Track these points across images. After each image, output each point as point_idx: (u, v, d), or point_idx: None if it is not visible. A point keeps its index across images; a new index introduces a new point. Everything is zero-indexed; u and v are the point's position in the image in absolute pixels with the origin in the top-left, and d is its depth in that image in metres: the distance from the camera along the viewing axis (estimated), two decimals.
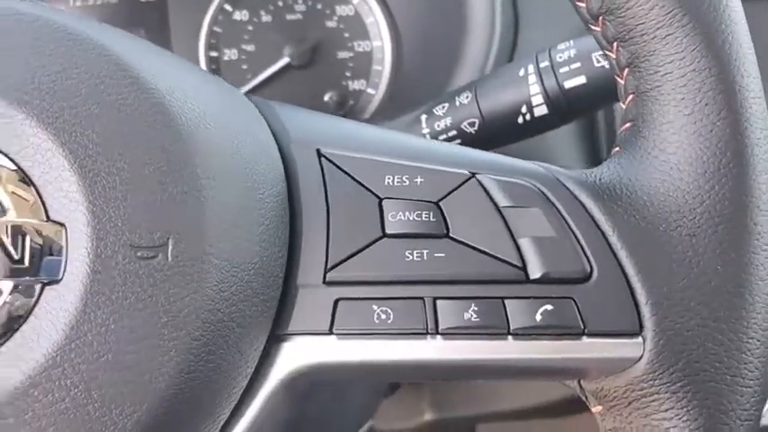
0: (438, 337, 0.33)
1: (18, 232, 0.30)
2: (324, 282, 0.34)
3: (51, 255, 0.30)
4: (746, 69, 0.33)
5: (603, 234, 0.34)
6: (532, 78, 0.49)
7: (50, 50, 0.32)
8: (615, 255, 0.33)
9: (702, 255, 0.33)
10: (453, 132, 0.51)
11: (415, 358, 0.33)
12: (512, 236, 0.34)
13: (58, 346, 0.29)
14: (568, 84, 0.49)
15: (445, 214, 0.34)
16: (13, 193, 0.30)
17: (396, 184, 0.35)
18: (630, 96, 0.35)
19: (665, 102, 0.34)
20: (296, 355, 0.34)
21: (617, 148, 0.36)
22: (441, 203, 0.34)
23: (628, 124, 0.36)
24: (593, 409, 0.36)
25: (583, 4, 0.35)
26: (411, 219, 0.34)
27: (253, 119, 0.36)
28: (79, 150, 0.30)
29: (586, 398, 0.36)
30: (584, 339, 0.33)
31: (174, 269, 0.30)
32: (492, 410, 0.69)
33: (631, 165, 0.35)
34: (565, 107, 0.49)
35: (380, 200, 0.35)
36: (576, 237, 0.34)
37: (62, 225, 0.30)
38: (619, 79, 0.36)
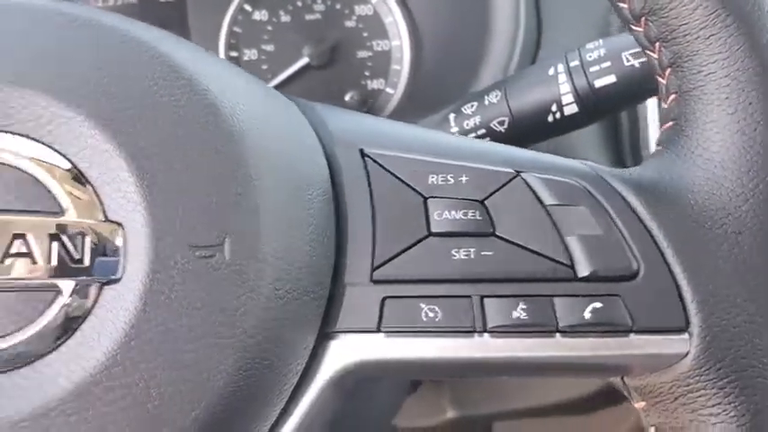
0: (485, 334, 0.33)
1: (77, 232, 0.30)
2: (371, 280, 0.34)
3: (108, 255, 0.30)
4: None
5: (649, 232, 0.34)
6: (562, 77, 0.50)
7: (106, 53, 0.32)
8: (661, 252, 0.34)
9: (748, 252, 0.33)
10: (482, 131, 0.51)
11: (463, 356, 0.34)
12: (559, 234, 0.34)
13: (119, 344, 0.29)
14: (599, 83, 0.49)
15: (491, 213, 0.35)
16: (71, 193, 0.30)
17: (440, 182, 0.35)
18: (673, 96, 0.36)
19: (708, 101, 0.34)
20: (344, 352, 0.34)
21: (659, 147, 0.37)
22: (486, 202, 0.35)
23: (670, 123, 0.36)
24: (637, 405, 0.36)
25: (625, 5, 0.36)
26: (457, 217, 0.34)
27: (296, 119, 0.37)
28: (136, 151, 0.30)
29: (629, 393, 0.36)
30: (632, 336, 0.33)
31: (230, 268, 0.30)
32: (513, 408, 0.69)
33: (674, 163, 0.35)
34: (595, 106, 0.49)
35: (425, 199, 0.35)
36: (622, 235, 0.34)
37: (120, 225, 0.30)
38: (660, 79, 0.36)
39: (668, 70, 0.36)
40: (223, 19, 0.73)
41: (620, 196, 0.35)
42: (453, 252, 0.34)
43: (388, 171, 0.35)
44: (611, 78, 0.49)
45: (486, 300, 0.33)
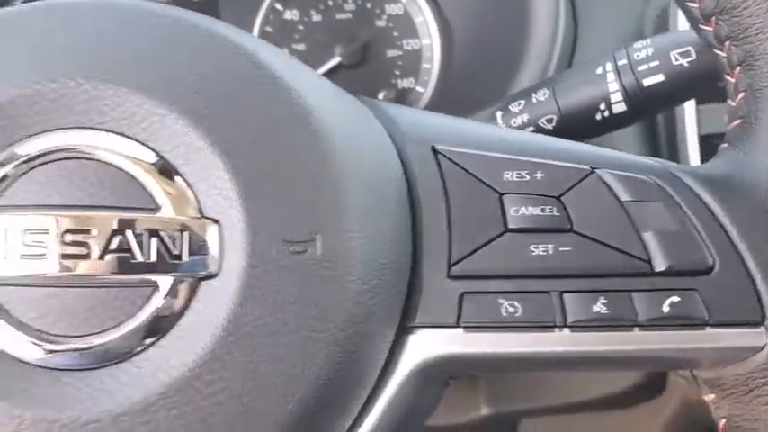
0: (566, 329, 0.34)
1: (174, 228, 0.30)
2: (448, 276, 0.34)
3: (205, 251, 0.31)
4: None
5: (722, 227, 0.35)
6: (611, 76, 0.50)
7: (198, 52, 0.32)
8: (735, 247, 0.34)
9: None
10: (530, 129, 0.52)
11: (544, 350, 0.34)
12: (635, 230, 0.35)
13: (217, 339, 0.30)
14: (647, 81, 0.50)
15: (567, 209, 0.35)
16: (166, 190, 0.31)
17: (515, 179, 0.36)
18: (742, 94, 0.36)
19: None
20: (423, 347, 0.34)
21: (725, 145, 0.37)
22: (562, 198, 0.35)
23: (738, 121, 0.37)
24: (706, 397, 0.37)
25: (695, 5, 0.36)
26: (534, 213, 0.35)
27: (366, 117, 0.37)
28: (230, 149, 0.31)
29: (698, 385, 0.37)
30: (708, 330, 0.34)
31: (322, 263, 0.31)
32: (547, 404, 0.69)
33: (744, 161, 0.36)
34: (642, 104, 0.50)
35: (501, 195, 0.35)
36: (696, 230, 0.35)
37: (216, 221, 0.31)
38: (728, 77, 0.37)
39: (738, 68, 0.36)
40: (255, 18, 0.74)
41: (694, 193, 0.35)
42: (531, 248, 0.34)
43: (462, 168, 0.36)
44: (660, 77, 0.50)
45: (565, 295, 0.34)
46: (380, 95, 0.73)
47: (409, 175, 0.36)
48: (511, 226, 0.35)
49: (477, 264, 0.34)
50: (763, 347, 0.34)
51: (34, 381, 0.29)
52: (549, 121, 0.52)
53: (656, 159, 0.37)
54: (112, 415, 0.29)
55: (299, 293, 0.31)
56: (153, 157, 0.31)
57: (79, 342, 0.30)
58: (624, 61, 0.50)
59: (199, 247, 0.30)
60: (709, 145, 0.60)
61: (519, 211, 0.35)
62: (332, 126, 0.33)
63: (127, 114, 0.31)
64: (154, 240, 0.30)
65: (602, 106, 0.51)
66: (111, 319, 0.30)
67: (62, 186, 0.30)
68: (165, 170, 0.31)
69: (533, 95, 0.53)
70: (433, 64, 0.74)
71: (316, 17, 0.74)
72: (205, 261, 0.30)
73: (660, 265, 0.34)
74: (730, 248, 0.34)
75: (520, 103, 0.53)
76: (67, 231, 0.30)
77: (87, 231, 0.30)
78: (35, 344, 0.29)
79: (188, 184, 0.31)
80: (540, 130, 0.52)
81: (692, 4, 0.37)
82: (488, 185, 0.35)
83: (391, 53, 0.74)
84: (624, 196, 0.35)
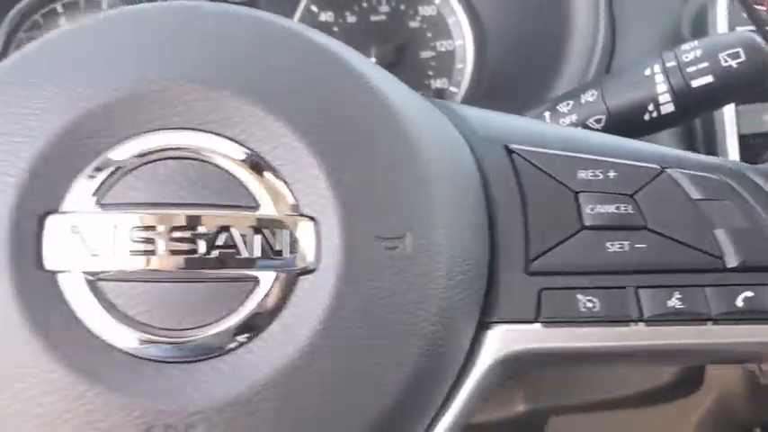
0: (641, 323, 0.35)
1: (275, 226, 0.31)
2: (527, 272, 0.35)
3: (303, 247, 0.31)
4: None
5: None
6: (659, 78, 0.51)
7: (295, 57, 0.33)
8: None
9: None
10: (579, 128, 0.53)
11: (621, 344, 0.35)
12: (707, 227, 0.36)
13: (316, 333, 0.31)
14: (696, 83, 0.51)
15: (641, 207, 0.36)
16: (265, 188, 0.32)
17: (589, 177, 0.37)
18: None
19: None
20: (503, 342, 0.35)
21: None
22: (635, 196, 0.36)
23: None
24: None
25: (764, 8, 0.37)
26: (610, 211, 0.36)
27: (442, 118, 0.38)
28: (326, 150, 0.32)
29: (766, 378, 0.38)
30: None
31: (413, 259, 0.32)
32: (585, 400, 0.70)
33: None
34: (691, 105, 0.51)
35: (576, 193, 0.36)
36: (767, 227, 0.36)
37: (312, 219, 0.31)
38: None
39: None
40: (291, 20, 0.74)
41: (764, 191, 0.36)
42: (607, 244, 0.35)
43: (537, 166, 0.37)
44: (709, 78, 0.51)
45: (640, 290, 0.35)
46: None
47: (483, 173, 0.37)
48: (587, 223, 0.36)
49: (555, 260, 0.35)
50: None
51: (140, 373, 0.30)
52: (598, 121, 0.53)
53: (726, 159, 0.38)
54: (217, 407, 0.30)
55: (392, 289, 0.31)
56: (252, 157, 0.32)
57: (184, 335, 0.31)
58: (673, 63, 0.51)
59: (297, 244, 0.31)
60: (747, 145, 0.61)
61: (594, 209, 0.36)
62: (418, 127, 0.34)
63: (227, 116, 0.32)
64: (257, 237, 0.31)
65: (651, 107, 0.52)
66: (215, 313, 0.31)
67: (167, 185, 0.31)
68: (264, 169, 0.32)
69: (582, 96, 0.54)
70: (466, 64, 0.75)
71: (350, 19, 0.75)
72: (303, 257, 0.31)
73: (733, 261, 0.35)
74: None
75: (568, 104, 0.54)
76: (175, 228, 0.30)
77: (194, 228, 0.31)
78: (142, 337, 0.30)
79: (285, 183, 0.32)
80: (588, 129, 0.53)
81: (761, 7, 0.38)
82: (564, 184, 0.36)
83: (425, 54, 0.75)
84: (695, 194, 0.36)
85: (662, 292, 0.35)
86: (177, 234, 0.31)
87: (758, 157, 0.60)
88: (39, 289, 0.30)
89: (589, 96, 0.53)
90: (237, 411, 0.30)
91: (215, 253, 0.31)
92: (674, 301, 0.35)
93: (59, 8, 0.74)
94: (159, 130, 0.31)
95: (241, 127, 0.32)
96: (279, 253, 0.31)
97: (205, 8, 0.35)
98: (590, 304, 0.35)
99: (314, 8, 0.75)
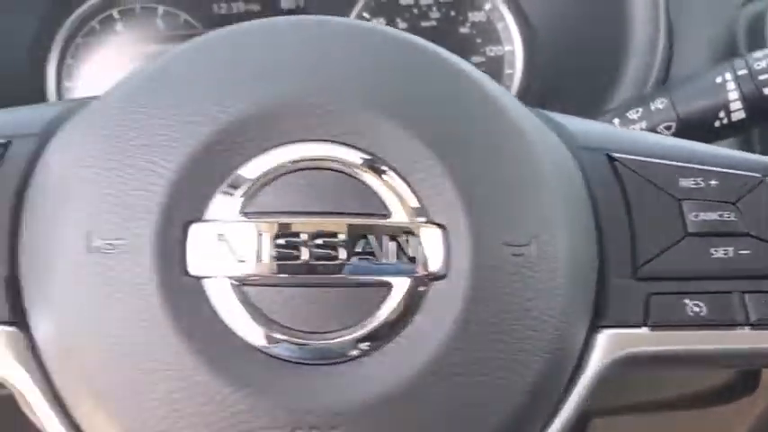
0: (747, 327, 0.36)
1: (409, 233, 0.32)
2: (636, 278, 0.36)
3: (434, 254, 0.33)
4: None
5: None
6: (731, 85, 0.53)
7: (417, 70, 0.35)
8: None
9: None
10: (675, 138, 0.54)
11: (728, 347, 0.36)
12: None
13: (450, 337, 0.32)
14: None
15: (744, 214, 0.37)
16: (397, 198, 0.33)
17: (691, 185, 0.38)
18: None
19: None
20: (612, 346, 0.36)
21: None
22: (738, 204, 0.37)
23: None
24: None
25: None
26: (713, 218, 0.37)
27: (544, 126, 0.39)
28: (454, 159, 0.33)
29: None
30: None
31: (538, 265, 0.33)
32: (634, 402, 0.71)
33: None
34: (762, 112, 0.52)
35: (679, 201, 0.37)
36: None
37: (442, 226, 0.33)
38: None
39: None
40: None
41: None
42: (712, 251, 0.37)
43: (639, 175, 0.38)
44: None
45: (746, 295, 0.36)
46: None
47: (585, 180, 0.38)
48: (691, 230, 0.37)
49: (662, 266, 0.37)
50: None
51: (284, 375, 0.31)
52: (668, 128, 0.54)
53: None
54: (357, 408, 0.31)
55: (520, 294, 0.33)
56: (383, 167, 0.33)
57: (325, 338, 0.32)
58: (744, 71, 0.52)
59: (428, 251, 0.32)
60: None
61: (698, 217, 0.37)
62: (536, 136, 0.35)
63: (360, 128, 0.33)
64: (392, 244, 0.32)
65: (722, 114, 0.53)
66: (353, 317, 0.32)
67: (305, 194, 0.32)
68: (394, 179, 0.33)
69: (651, 103, 0.55)
70: (515, 70, 0.76)
71: (401, 25, 0.76)
72: (434, 263, 0.32)
73: None
74: None
75: (637, 111, 0.55)
76: (317, 236, 0.32)
77: (334, 236, 0.32)
78: (285, 340, 0.31)
79: (415, 192, 0.33)
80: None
81: None
82: (667, 192, 0.37)
83: (474, 59, 0.76)
84: None
85: (767, 296, 0.36)
86: (319, 241, 0.32)
87: None
88: (184, 294, 0.31)
89: (659, 104, 0.55)
90: (377, 412, 0.31)
91: (354, 259, 0.32)
92: None
93: (115, 14, 0.75)
94: (297, 141, 0.33)
95: (372, 138, 0.33)
96: (412, 260, 0.32)
97: (331, 23, 0.36)
98: (697, 308, 0.36)
99: (366, 15, 0.76)
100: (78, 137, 0.34)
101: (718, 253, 0.37)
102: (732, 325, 0.36)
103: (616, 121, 0.56)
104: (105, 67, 0.75)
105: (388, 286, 0.32)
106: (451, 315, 0.32)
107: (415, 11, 0.76)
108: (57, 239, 0.33)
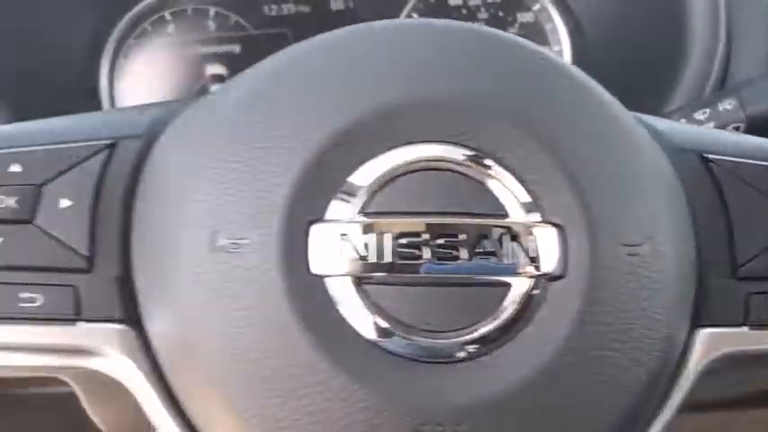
0: None
1: (528, 233, 0.33)
2: (735, 277, 0.37)
3: (551, 254, 0.33)
4: None
5: None
6: None
7: (536, 73, 0.35)
8: None
9: None
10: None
11: None
12: None
13: (568, 337, 0.32)
14: None
15: None
16: (513, 197, 0.33)
17: None
18: None
19: None
20: (713, 344, 0.37)
21: None
22: None
23: None
24: None
25: None
26: None
27: (642, 128, 0.40)
28: (570, 160, 0.33)
29: None
30: None
31: (650, 265, 0.33)
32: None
33: None
34: None
35: None
36: None
37: (559, 226, 0.33)
38: None
39: None
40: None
41: None
42: None
43: (735, 175, 0.38)
44: None
45: None
46: None
47: (681, 181, 0.38)
48: None
49: (762, 265, 0.37)
50: None
51: (408, 373, 0.32)
52: (737, 129, 0.55)
53: None
54: (480, 405, 0.31)
55: (636, 294, 0.33)
56: (500, 168, 0.33)
57: (447, 337, 0.32)
58: None
59: (546, 251, 0.33)
60: None
61: None
62: (644, 138, 0.36)
63: (476, 129, 0.33)
64: (513, 244, 0.32)
65: None
66: (474, 316, 0.32)
67: (423, 194, 0.33)
68: (510, 179, 0.33)
69: (719, 104, 0.55)
70: None
71: None
72: (552, 264, 0.33)
73: None
74: None
75: (705, 112, 0.56)
76: (439, 236, 0.32)
77: (455, 236, 0.32)
78: (408, 339, 0.32)
79: (531, 192, 0.33)
80: None
81: None
82: (762, 192, 0.38)
83: None
84: None
85: None
86: (441, 241, 0.32)
87: None
88: (308, 293, 0.32)
89: (727, 104, 0.55)
90: (499, 410, 0.31)
91: (476, 259, 0.32)
92: None
93: (167, 16, 0.75)
94: (415, 143, 0.33)
95: (489, 139, 0.33)
96: (533, 260, 0.33)
97: (437, 25, 0.36)
98: None
99: (415, 15, 0.76)
100: (195, 137, 0.35)
101: None
102: None
103: (683, 122, 0.56)
104: (157, 68, 0.75)
105: (508, 286, 0.33)
106: (570, 315, 0.32)
107: (464, 11, 0.77)
108: (177, 239, 0.33)
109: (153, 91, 0.75)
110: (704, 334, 0.37)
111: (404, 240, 0.32)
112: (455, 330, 0.32)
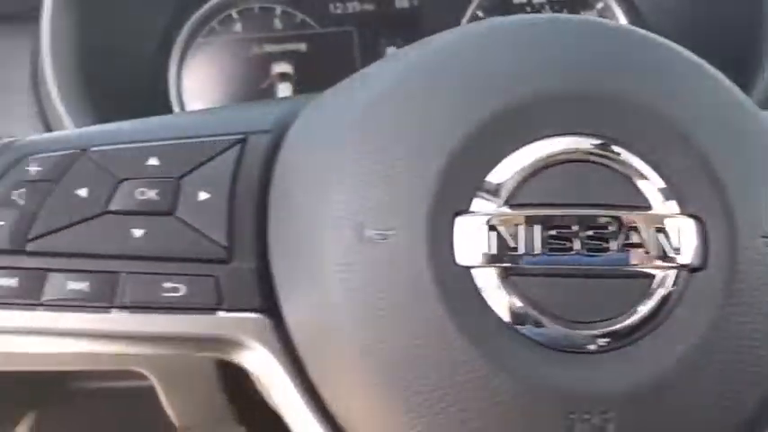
0: None
1: (672, 225, 0.33)
2: None
3: (692, 245, 0.33)
4: None
5: None
6: None
7: (673, 70, 0.35)
8: None
9: None
10: None
11: None
12: None
13: (711, 328, 0.32)
14: None
15: None
16: (655, 189, 0.33)
17: None
18: None
19: None
20: None
21: None
22: None
23: None
24: None
25: None
26: None
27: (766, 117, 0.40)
28: (710, 152, 0.33)
29: None
30: None
31: None
32: None
33: None
34: None
35: None
36: None
37: (699, 218, 0.33)
38: None
39: None
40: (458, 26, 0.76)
41: None
42: None
43: None
44: None
45: None
46: None
47: None
48: None
49: None
50: None
51: (555, 363, 0.32)
52: None
53: None
54: (626, 394, 0.32)
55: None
56: (639, 161, 0.33)
57: (594, 327, 0.32)
58: None
59: (688, 242, 0.33)
60: None
61: None
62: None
63: (618, 122, 0.33)
64: (658, 236, 0.33)
65: None
66: (619, 307, 0.32)
67: (572, 186, 0.33)
68: (650, 171, 0.33)
69: None
70: None
71: None
72: (694, 255, 0.33)
73: None
74: None
75: None
76: (588, 227, 0.32)
77: (604, 227, 0.32)
78: (555, 329, 0.32)
79: (671, 183, 0.33)
80: None
81: None
82: None
83: None
84: None
85: None
86: (590, 232, 0.32)
87: None
88: (456, 283, 0.32)
89: None
90: (644, 399, 0.32)
91: (625, 251, 0.32)
92: None
93: (234, 14, 0.76)
94: (557, 135, 0.33)
95: (629, 132, 0.33)
96: (677, 251, 0.33)
97: (563, 19, 0.37)
98: None
99: (480, 13, 0.77)
100: (334, 130, 0.35)
101: None
102: None
103: None
104: (224, 67, 0.76)
105: (652, 278, 0.33)
106: (714, 306, 0.32)
107: (528, 9, 0.77)
108: (322, 230, 0.33)
109: (219, 90, 0.75)
110: None
111: (554, 232, 0.32)
112: (602, 321, 0.32)
